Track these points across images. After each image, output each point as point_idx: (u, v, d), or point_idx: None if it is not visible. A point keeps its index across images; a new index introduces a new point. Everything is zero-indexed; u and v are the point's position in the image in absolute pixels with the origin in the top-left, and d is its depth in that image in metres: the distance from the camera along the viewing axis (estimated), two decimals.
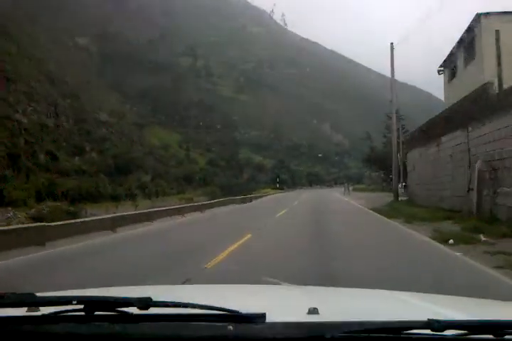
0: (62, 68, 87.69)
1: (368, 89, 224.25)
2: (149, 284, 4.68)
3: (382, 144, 57.96)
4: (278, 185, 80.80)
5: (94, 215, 31.16)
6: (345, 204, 30.77)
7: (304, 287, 3.06)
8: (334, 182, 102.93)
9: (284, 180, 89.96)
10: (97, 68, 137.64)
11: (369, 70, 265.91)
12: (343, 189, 59.64)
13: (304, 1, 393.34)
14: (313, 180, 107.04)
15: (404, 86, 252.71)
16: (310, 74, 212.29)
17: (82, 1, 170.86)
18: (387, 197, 29.77)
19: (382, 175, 60.79)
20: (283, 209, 24.26)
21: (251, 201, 42.62)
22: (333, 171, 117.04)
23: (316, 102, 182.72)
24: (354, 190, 63.25)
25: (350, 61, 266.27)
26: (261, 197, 54.21)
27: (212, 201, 33.38)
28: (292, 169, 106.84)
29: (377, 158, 58.28)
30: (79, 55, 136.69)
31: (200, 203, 31.13)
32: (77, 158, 61.34)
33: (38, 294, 1.39)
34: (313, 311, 1.42)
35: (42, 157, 49.90)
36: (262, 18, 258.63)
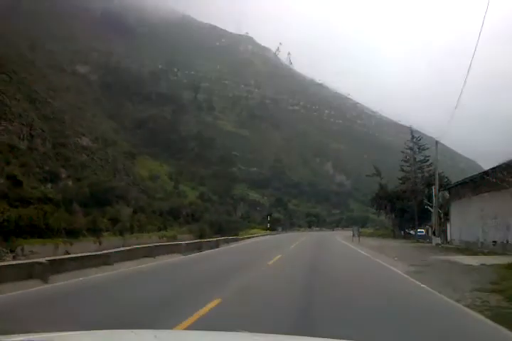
0: (51, 91, 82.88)
1: (371, 131, 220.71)
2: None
3: (399, 181, 50.46)
4: (269, 225, 71.98)
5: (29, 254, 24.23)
6: (374, 270, 16.46)
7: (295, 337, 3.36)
8: (336, 225, 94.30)
9: (279, 219, 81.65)
10: (94, 96, 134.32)
11: (374, 113, 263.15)
12: (349, 233, 50.74)
13: (308, 44, 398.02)
14: (313, 222, 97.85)
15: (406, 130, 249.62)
16: (314, 113, 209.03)
17: (90, 32, 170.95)
18: (424, 250, 20.43)
19: (393, 218, 53.41)
20: (234, 280, 11.95)
21: (217, 246, 29.42)
22: (334, 212, 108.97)
23: (320, 141, 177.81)
24: (360, 235, 55.20)
25: (355, 103, 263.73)
26: (242, 239, 42.98)
27: (119, 249, 17.83)
28: (290, 208, 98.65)
29: (388, 197, 51.12)
30: (77, 82, 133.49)
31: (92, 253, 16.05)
32: (49, 185, 54.76)
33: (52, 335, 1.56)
34: None
35: (1, 181, 43.24)
36: (267, 56, 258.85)
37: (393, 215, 51.94)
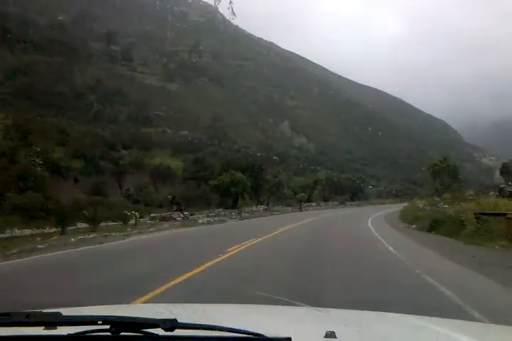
0: None
1: (331, 90, 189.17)
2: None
3: None
4: None
5: None
6: None
7: (321, 309, 2.53)
8: (307, 198, 56.74)
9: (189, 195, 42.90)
10: None
11: (328, 71, 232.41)
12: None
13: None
14: (256, 193, 54.54)
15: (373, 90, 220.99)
16: (265, 70, 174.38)
17: None
18: None
19: None
20: None
21: None
22: (297, 180, 74.56)
23: (273, 98, 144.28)
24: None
25: (309, 62, 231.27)
26: None
27: None
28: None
29: None
30: None
31: None
32: None
33: (62, 310, 1.40)
34: (330, 335, 1.43)
35: None
36: (206, 10, 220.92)
37: None
